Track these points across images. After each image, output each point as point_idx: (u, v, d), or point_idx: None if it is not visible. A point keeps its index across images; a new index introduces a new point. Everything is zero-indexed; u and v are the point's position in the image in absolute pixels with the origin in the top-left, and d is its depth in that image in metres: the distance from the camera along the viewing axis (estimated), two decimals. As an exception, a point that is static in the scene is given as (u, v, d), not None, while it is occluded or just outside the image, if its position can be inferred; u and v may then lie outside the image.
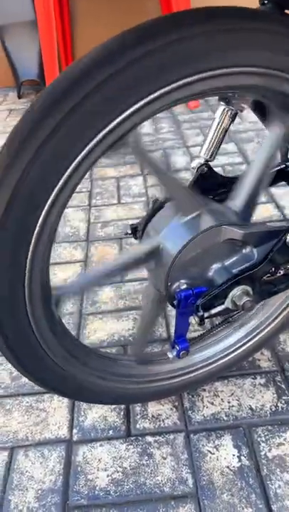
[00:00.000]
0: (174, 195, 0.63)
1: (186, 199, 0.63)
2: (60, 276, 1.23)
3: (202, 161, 0.76)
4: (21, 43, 2.63)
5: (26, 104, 2.70)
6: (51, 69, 2.20)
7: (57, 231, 0.55)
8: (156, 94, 0.47)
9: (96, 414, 0.86)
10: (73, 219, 1.49)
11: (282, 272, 0.61)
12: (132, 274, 1.22)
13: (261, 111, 0.75)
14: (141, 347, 0.80)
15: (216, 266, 0.63)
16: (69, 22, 2.72)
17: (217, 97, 0.75)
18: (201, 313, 0.59)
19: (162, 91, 0.47)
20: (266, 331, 0.82)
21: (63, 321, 1.08)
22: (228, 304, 0.60)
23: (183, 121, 2.18)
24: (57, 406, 0.88)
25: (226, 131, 0.75)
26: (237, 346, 0.82)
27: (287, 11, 0.61)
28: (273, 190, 1.50)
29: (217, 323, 0.73)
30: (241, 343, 0.82)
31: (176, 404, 0.87)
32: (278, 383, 0.88)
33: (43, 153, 0.46)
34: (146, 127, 2.14)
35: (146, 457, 0.78)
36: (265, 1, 0.64)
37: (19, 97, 2.77)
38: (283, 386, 0.88)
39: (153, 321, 0.73)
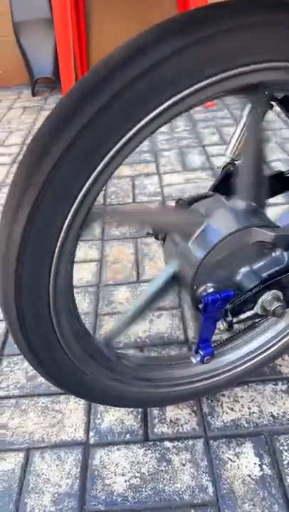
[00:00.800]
0: (173, 222, 0.62)
1: (190, 217, 0.60)
2: (75, 275, 1.21)
3: (228, 160, 0.74)
4: (36, 40, 2.63)
5: (41, 101, 2.70)
6: (66, 66, 2.19)
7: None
8: (192, 89, 0.45)
9: (113, 417, 0.85)
10: (88, 217, 1.48)
11: (314, 277, 0.59)
12: (148, 274, 1.20)
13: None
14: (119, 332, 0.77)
15: (244, 270, 0.60)
16: (84, 19, 2.71)
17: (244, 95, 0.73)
18: (229, 318, 0.57)
19: (201, 85, 0.45)
20: (290, 336, 0.80)
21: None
22: (257, 309, 0.58)
23: (198, 120, 2.16)
24: (73, 408, 0.87)
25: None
26: (260, 351, 0.79)
27: None
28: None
29: (242, 328, 0.71)
30: (264, 348, 0.79)
31: (195, 409, 0.85)
32: (300, 390, 0.86)
33: (76, 148, 0.45)
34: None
35: (165, 463, 0.77)
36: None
37: (33, 94, 2.77)
38: (306, 393, 0.85)
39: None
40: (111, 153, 0.46)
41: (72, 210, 0.48)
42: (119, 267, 1.24)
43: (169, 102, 0.45)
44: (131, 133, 0.46)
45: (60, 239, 0.49)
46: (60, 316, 0.56)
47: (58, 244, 0.50)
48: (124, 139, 0.46)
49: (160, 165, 1.77)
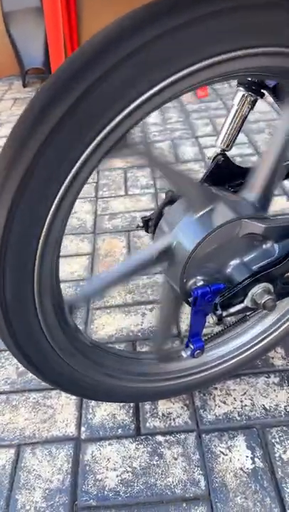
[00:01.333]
0: (186, 191, 0.60)
1: (201, 193, 0.59)
2: (66, 269, 1.20)
3: (218, 150, 0.73)
4: (26, 30, 2.57)
5: (31, 93, 2.65)
6: (57, 57, 2.15)
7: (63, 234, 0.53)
8: (181, 74, 0.43)
9: (104, 412, 0.84)
10: (80, 211, 1.46)
11: (305, 269, 0.58)
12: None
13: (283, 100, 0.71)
14: (161, 344, 0.77)
15: (234, 262, 0.59)
16: (75, 9, 2.65)
17: (236, 82, 0.71)
18: (219, 311, 0.56)
19: (188, 70, 0.43)
20: (282, 328, 0.79)
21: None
22: (248, 302, 0.57)
23: (191, 111, 2.13)
24: (64, 403, 0.86)
25: (245, 118, 0.71)
26: (252, 344, 0.79)
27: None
28: (286, 182, 1.45)
29: (232, 321, 0.70)
30: (256, 340, 0.79)
31: (187, 402, 0.84)
32: (293, 382, 0.86)
33: (54, 142, 0.43)
34: (154, 117, 2.09)
35: (157, 457, 0.76)
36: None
37: (24, 85, 2.72)
38: (298, 385, 0.85)
39: (172, 318, 0.70)
40: (96, 141, 0.45)
41: (59, 195, 0.46)
42: (111, 261, 1.23)
43: (155, 89, 0.44)
44: (116, 120, 0.44)
45: (44, 228, 0.48)
46: (46, 310, 0.55)
47: (43, 234, 0.48)
48: (107, 128, 0.44)
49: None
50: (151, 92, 0.45)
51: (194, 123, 2.00)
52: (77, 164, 0.46)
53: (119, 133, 0.46)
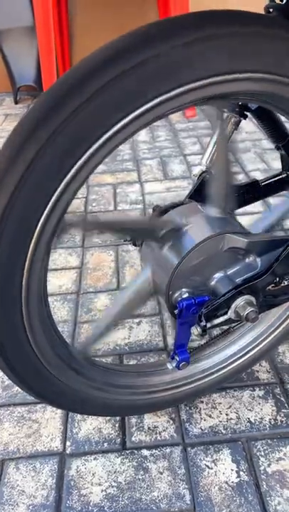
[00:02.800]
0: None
1: (153, 223, 0.61)
2: (54, 282, 1.20)
3: (204, 168, 0.75)
4: (19, 48, 2.63)
5: (23, 109, 2.69)
6: (49, 74, 2.20)
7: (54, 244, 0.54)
8: (166, 96, 0.46)
9: (90, 426, 0.84)
10: (69, 225, 1.47)
11: (286, 282, 0.60)
12: (128, 281, 1.20)
13: (266, 122, 0.74)
14: (96, 340, 0.76)
15: (218, 275, 0.61)
16: (67, 28, 2.73)
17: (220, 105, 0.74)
18: (203, 323, 0.57)
19: (174, 93, 0.46)
20: (267, 341, 0.81)
21: (58, 328, 1.06)
22: (231, 314, 0.59)
23: (180, 129, 2.19)
24: (50, 417, 0.85)
25: (229, 138, 0.74)
26: (237, 357, 0.80)
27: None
28: (270, 199, 1.49)
29: (218, 333, 0.71)
30: (242, 353, 0.80)
31: (173, 416, 0.84)
32: (277, 396, 0.87)
33: (46, 155, 0.45)
34: (142, 135, 2.14)
35: (142, 471, 0.76)
36: (271, 10, 0.63)
37: (16, 102, 2.76)
38: (282, 399, 0.86)
39: (130, 311, 0.71)
40: (80, 162, 0.47)
41: (46, 212, 0.48)
42: (99, 275, 1.24)
43: (135, 114, 0.46)
44: (101, 140, 0.46)
45: (31, 246, 0.49)
46: (34, 324, 0.56)
47: (30, 251, 0.49)
48: (92, 149, 0.46)
49: (142, 173, 1.78)
50: (140, 110, 0.47)
51: (182, 141, 2.05)
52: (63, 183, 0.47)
53: (106, 151, 0.48)
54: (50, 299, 1.15)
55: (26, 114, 0.46)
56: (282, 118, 0.71)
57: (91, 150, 0.46)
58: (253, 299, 0.58)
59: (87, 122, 0.45)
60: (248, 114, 0.72)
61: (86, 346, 0.69)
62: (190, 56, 0.44)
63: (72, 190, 0.49)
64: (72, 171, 0.47)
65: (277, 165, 0.85)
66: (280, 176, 0.80)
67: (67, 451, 0.79)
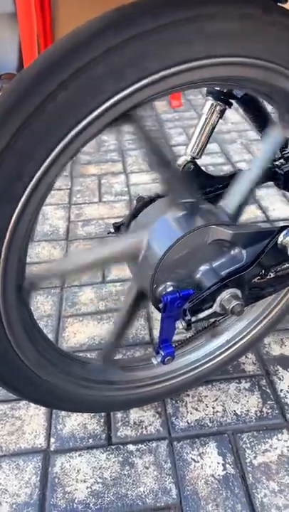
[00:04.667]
0: (166, 186, 0.60)
1: (177, 194, 0.59)
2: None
3: (189, 158, 0.74)
4: (0, 35, 2.54)
5: (5, 98, 2.62)
6: (31, 62, 2.14)
7: (35, 227, 0.52)
8: (152, 78, 0.43)
9: (75, 422, 0.82)
10: (52, 217, 1.44)
11: (272, 275, 0.59)
12: (114, 274, 1.18)
13: (253, 112, 0.73)
14: (112, 350, 0.76)
15: (203, 268, 0.60)
16: (50, 14, 2.65)
17: (205, 92, 0.72)
18: (188, 317, 0.56)
19: (161, 74, 0.43)
20: (253, 333, 0.80)
21: (41, 323, 1.04)
22: (216, 307, 0.57)
23: (166, 120, 2.16)
24: (33, 413, 0.84)
25: (214, 127, 0.72)
26: (222, 350, 0.79)
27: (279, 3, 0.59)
28: (256, 191, 1.49)
29: (202, 327, 0.70)
30: (227, 346, 0.79)
31: (159, 410, 0.84)
32: (263, 387, 0.87)
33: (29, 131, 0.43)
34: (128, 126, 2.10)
35: (128, 467, 0.75)
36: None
37: (-3, 90, 2.69)
38: (268, 390, 0.86)
39: (129, 322, 0.70)
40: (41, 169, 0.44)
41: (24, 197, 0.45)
42: (83, 268, 1.21)
43: (107, 104, 0.44)
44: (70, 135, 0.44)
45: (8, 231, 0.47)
46: (13, 321, 0.53)
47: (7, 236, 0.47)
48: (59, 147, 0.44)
49: (127, 164, 1.75)
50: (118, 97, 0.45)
51: (168, 132, 2.02)
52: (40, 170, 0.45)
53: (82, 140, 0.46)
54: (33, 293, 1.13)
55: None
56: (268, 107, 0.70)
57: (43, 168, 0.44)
58: (238, 291, 0.57)
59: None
60: (232, 102, 0.71)
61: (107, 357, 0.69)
62: (161, 41, 0.42)
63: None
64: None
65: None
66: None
67: (52, 448, 0.78)
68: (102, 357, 0.72)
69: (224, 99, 0.69)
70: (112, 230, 0.75)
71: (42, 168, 0.44)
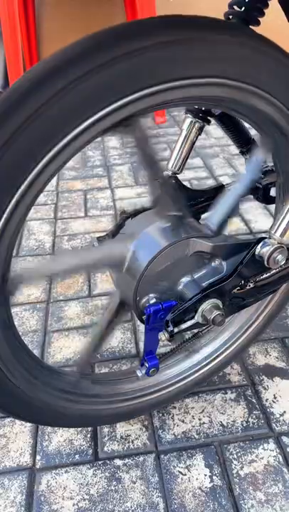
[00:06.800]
0: (155, 197, 0.62)
1: (164, 207, 0.61)
2: (23, 291, 1.17)
3: (170, 173, 0.76)
4: (-15, 53, 2.57)
5: (-10, 115, 2.63)
6: (16, 79, 2.16)
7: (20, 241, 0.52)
8: (123, 101, 0.45)
9: (61, 438, 0.81)
10: (38, 232, 1.44)
11: (251, 285, 0.61)
12: (99, 288, 1.18)
13: (229, 127, 0.76)
14: (87, 362, 0.76)
15: (185, 279, 0.61)
16: (35, 31, 2.70)
17: (184, 110, 0.75)
18: (170, 328, 0.57)
19: (136, 95, 0.45)
20: (236, 344, 0.81)
21: (26, 338, 1.03)
22: (198, 318, 0.58)
23: (150, 135, 2.20)
24: (19, 431, 0.83)
25: (193, 143, 0.75)
26: (207, 361, 0.80)
27: (251, 27, 0.62)
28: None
29: (187, 338, 0.71)
30: (212, 357, 0.80)
31: (146, 423, 0.84)
32: (249, 398, 0.87)
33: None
34: (113, 141, 2.13)
35: (115, 482, 0.74)
36: (230, 16, 0.64)
37: (-17, 107, 2.70)
38: (254, 400, 0.87)
39: (108, 333, 0.70)
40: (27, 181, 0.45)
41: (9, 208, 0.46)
42: (70, 282, 1.22)
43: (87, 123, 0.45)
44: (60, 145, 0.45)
45: None
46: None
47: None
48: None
49: (112, 179, 1.78)
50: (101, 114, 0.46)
51: (156, 147, 2.06)
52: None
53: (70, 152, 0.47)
54: (18, 308, 1.12)
55: None
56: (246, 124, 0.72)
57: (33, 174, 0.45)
58: (219, 302, 0.59)
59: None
60: (211, 119, 0.73)
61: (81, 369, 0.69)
62: (142, 62, 0.44)
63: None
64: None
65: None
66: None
67: (37, 466, 0.77)
68: (78, 369, 0.71)
69: (202, 116, 0.72)
70: (96, 244, 0.76)
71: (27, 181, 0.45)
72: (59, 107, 0.43)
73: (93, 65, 0.43)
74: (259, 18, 0.63)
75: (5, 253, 0.49)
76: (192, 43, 0.46)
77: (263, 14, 0.63)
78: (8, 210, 0.45)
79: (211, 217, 0.65)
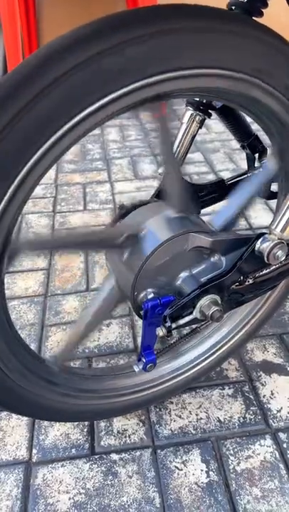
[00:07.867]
0: (168, 188, 0.60)
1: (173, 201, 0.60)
2: (20, 285, 1.17)
3: (170, 167, 0.74)
4: (-15, 44, 2.55)
5: (-11, 106, 2.61)
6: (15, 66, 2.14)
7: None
8: (125, 90, 0.44)
9: (58, 432, 0.81)
10: (36, 225, 1.43)
11: (250, 281, 0.60)
12: (97, 282, 1.18)
13: (230, 121, 0.75)
14: (70, 353, 0.74)
15: (184, 274, 0.60)
16: (34, 21, 2.66)
17: (185, 103, 0.74)
18: (168, 324, 0.56)
19: (135, 86, 0.44)
20: (235, 339, 0.81)
21: (24, 332, 1.03)
22: (196, 313, 0.58)
23: (150, 129, 2.18)
24: (15, 424, 0.82)
25: (194, 137, 0.74)
26: (205, 356, 0.80)
27: (254, 17, 0.61)
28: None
29: (185, 333, 0.71)
30: (210, 352, 0.80)
31: (143, 418, 0.83)
32: (246, 394, 0.87)
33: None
34: (113, 134, 2.12)
35: (111, 476, 0.74)
36: (233, 7, 0.63)
37: (-18, 99, 2.67)
38: (251, 396, 0.87)
39: (96, 324, 0.69)
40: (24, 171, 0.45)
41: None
42: (68, 276, 1.21)
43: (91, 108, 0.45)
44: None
45: None
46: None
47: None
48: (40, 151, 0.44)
49: (112, 173, 1.76)
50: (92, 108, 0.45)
51: (153, 141, 2.04)
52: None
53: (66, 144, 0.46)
54: (16, 302, 1.12)
55: None
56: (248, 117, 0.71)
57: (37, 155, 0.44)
58: (217, 297, 0.58)
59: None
60: (212, 112, 0.72)
61: (61, 357, 0.67)
62: (145, 51, 0.43)
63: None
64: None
65: (245, 165, 0.86)
66: (246, 175, 0.81)
67: (34, 459, 0.77)
68: (58, 362, 0.69)
69: (203, 109, 0.71)
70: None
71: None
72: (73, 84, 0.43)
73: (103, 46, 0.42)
74: (262, 9, 0.62)
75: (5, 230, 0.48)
76: (196, 33, 0.45)
77: (266, 5, 0.62)
78: (17, 179, 0.44)
79: (220, 213, 0.64)
